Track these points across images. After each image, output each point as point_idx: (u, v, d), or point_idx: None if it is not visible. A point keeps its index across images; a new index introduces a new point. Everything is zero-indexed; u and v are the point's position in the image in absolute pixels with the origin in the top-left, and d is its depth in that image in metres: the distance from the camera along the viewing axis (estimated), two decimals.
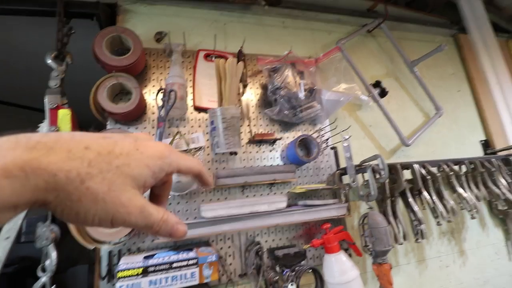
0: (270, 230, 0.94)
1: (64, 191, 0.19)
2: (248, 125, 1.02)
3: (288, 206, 0.97)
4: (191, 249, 0.80)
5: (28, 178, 0.17)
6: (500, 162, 1.15)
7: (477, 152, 1.37)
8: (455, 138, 1.35)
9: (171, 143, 0.84)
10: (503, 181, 1.10)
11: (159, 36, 1.07)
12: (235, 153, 0.98)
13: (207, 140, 0.97)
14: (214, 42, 1.01)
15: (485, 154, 1.36)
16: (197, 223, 0.80)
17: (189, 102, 0.99)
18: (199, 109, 0.99)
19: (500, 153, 1.32)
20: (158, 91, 0.89)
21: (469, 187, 1.07)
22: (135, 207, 0.22)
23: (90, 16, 0.99)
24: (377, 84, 1.20)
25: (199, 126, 0.98)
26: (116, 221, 0.21)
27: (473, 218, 1.03)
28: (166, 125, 0.92)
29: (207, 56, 1.04)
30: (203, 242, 0.87)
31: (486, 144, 1.38)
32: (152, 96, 0.96)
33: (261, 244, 0.90)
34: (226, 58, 0.96)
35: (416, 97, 1.35)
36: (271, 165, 1.01)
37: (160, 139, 0.85)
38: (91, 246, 0.76)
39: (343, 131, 0.93)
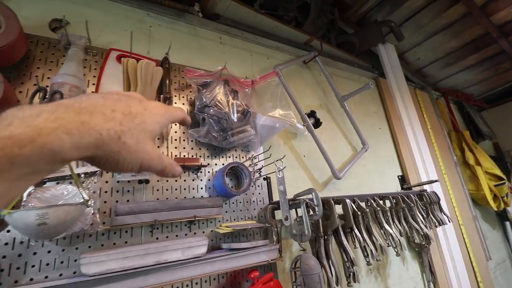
0: (185, 283, 0.73)
1: (108, 146, 0.23)
2: (167, 147, 0.83)
3: (211, 249, 0.79)
4: None
5: (83, 137, 0.21)
6: (416, 198, 1.22)
7: (396, 185, 1.46)
8: (377, 172, 1.41)
9: None
10: (419, 216, 1.16)
11: (58, 25, 0.82)
12: (146, 181, 0.76)
13: None
14: (131, 40, 0.83)
15: (402, 188, 1.46)
16: (72, 284, 0.55)
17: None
18: None
19: (414, 189, 1.42)
20: (36, 91, 0.64)
21: (393, 223, 1.08)
22: (155, 155, 0.27)
23: None
24: (311, 114, 1.18)
25: None
26: (143, 166, 0.26)
27: (398, 255, 1.02)
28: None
29: (121, 58, 0.84)
30: None
31: (403, 179, 1.49)
32: (29, 97, 0.69)
33: None
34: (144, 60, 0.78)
35: (345, 130, 1.38)
36: (193, 197, 0.82)
37: None
38: None
39: (277, 160, 0.83)
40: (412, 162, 1.54)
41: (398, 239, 1.02)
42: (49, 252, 0.62)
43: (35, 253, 0.61)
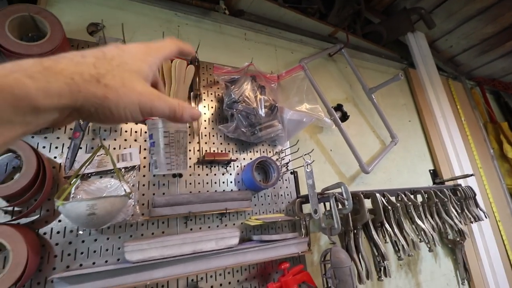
0: (218, 272, 0.77)
1: (87, 91, 0.20)
2: (198, 142, 0.86)
3: (242, 240, 0.81)
4: None
5: (49, 81, 0.19)
6: (450, 192, 1.17)
7: (427, 180, 1.40)
8: (407, 166, 1.36)
9: (89, 160, 0.63)
10: (454, 211, 1.11)
11: (94, 29, 0.88)
12: (180, 175, 0.80)
13: (145, 158, 0.78)
14: None
15: (434, 183, 1.40)
16: (118, 270, 0.59)
17: None
18: None
19: (447, 183, 1.36)
20: None
21: (426, 218, 1.04)
22: (153, 94, 0.24)
23: None
24: (338, 108, 1.16)
25: (135, 140, 0.78)
26: (144, 108, 0.24)
27: (430, 250, 0.99)
28: (87, 135, 0.71)
29: None
30: None
31: (435, 173, 1.43)
32: None
33: None
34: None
35: (373, 124, 1.35)
36: (223, 190, 0.85)
37: (74, 154, 0.63)
38: None
39: (305, 154, 0.83)
40: (444, 156, 1.47)
41: (431, 234, 0.99)
42: (95, 240, 0.67)
43: (83, 241, 0.66)
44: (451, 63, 2.16)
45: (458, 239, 1.19)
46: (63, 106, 0.19)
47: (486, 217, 1.22)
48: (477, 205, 1.24)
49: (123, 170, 0.73)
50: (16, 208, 0.63)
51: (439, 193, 1.12)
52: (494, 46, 1.96)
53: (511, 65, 2.15)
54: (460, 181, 1.38)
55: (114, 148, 0.75)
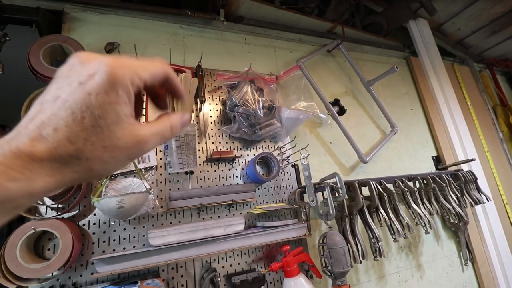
0: (228, 254, 0.89)
1: (71, 172, 0.20)
2: (206, 143, 0.97)
3: (248, 227, 0.92)
4: (135, 282, 0.72)
5: (30, 180, 0.18)
6: (450, 177, 1.22)
7: (430, 167, 1.44)
8: (409, 154, 1.41)
9: None
10: (453, 195, 1.16)
11: (111, 47, 1.00)
12: (191, 172, 0.92)
13: (161, 159, 0.90)
14: (170, 55, 0.97)
15: (437, 169, 1.44)
16: (144, 252, 0.72)
17: (142, 119, 0.92)
18: None
19: (450, 168, 1.40)
20: None
21: (423, 203, 1.11)
22: (139, 141, 0.23)
23: (29, 22, 0.89)
24: (335, 103, 1.23)
25: None
26: (134, 156, 0.23)
27: (427, 233, 1.06)
28: None
29: None
30: (152, 272, 0.79)
31: (438, 160, 1.46)
32: None
33: (217, 270, 0.84)
34: (183, 72, 0.92)
35: (373, 114, 1.40)
36: (230, 184, 0.96)
37: None
38: (12, 286, 0.65)
39: (302, 149, 0.92)
40: (448, 142, 1.50)
41: (427, 218, 1.05)
42: (124, 229, 0.81)
43: (114, 230, 0.80)
44: (460, 46, 2.12)
45: (457, 222, 1.24)
46: (49, 191, 0.20)
47: (487, 200, 1.25)
48: (478, 189, 1.28)
49: (143, 170, 0.86)
50: (60, 206, 0.77)
51: (438, 179, 1.17)
52: (505, 26, 1.91)
53: None
54: (463, 166, 1.41)
55: None
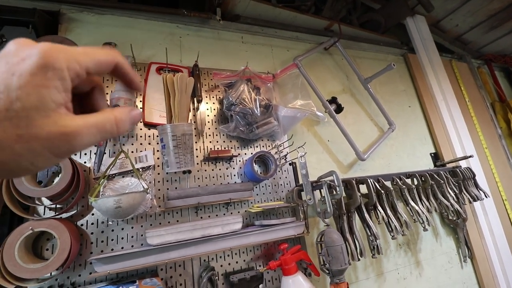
0: (226, 253, 0.89)
1: None
2: (203, 142, 0.97)
3: (246, 226, 0.93)
4: (134, 282, 0.72)
5: None
6: (448, 174, 1.22)
7: (428, 163, 1.44)
8: (407, 151, 1.41)
9: (113, 163, 0.76)
10: (451, 192, 1.16)
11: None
12: (189, 172, 0.92)
13: (158, 158, 0.90)
14: (166, 55, 0.97)
15: (435, 166, 1.44)
16: (142, 252, 0.72)
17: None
18: (149, 125, 0.93)
19: (448, 165, 1.40)
20: None
21: (421, 200, 1.11)
22: (66, 133, 0.19)
23: (25, 24, 0.90)
24: (333, 100, 1.23)
25: (149, 144, 0.91)
26: (60, 155, 0.19)
27: (425, 230, 1.06)
28: (110, 142, 0.84)
29: (160, 70, 0.99)
30: (150, 272, 0.80)
31: (436, 156, 1.46)
32: None
33: (216, 269, 0.84)
34: (180, 72, 0.92)
35: (371, 112, 1.40)
36: (227, 183, 0.97)
37: (100, 159, 0.77)
38: (10, 286, 0.66)
39: (299, 147, 0.92)
40: (446, 139, 1.50)
41: (425, 215, 1.06)
42: (122, 229, 0.81)
43: (113, 230, 0.80)
44: (458, 42, 2.12)
45: (455, 219, 1.24)
46: None
47: (486, 196, 1.26)
48: (476, 186, 1.28)
49: (140, 169, 0.86)
50: (58, 206, 0.78)
51: (436, 176, 1.17)
52: (503, 21, 1.91)
53: None
54: (462, 163, 1.41)
55: (132, 152, 0.88)
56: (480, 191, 1.26)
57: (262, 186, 1.01)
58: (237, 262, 0.89)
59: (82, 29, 0.99)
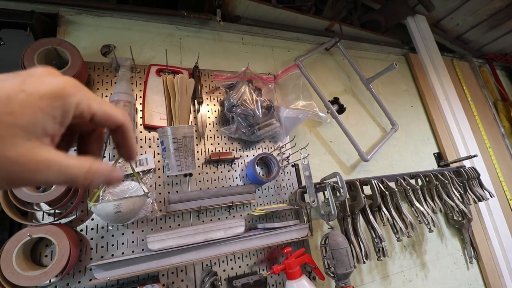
0: (229, 257, 0.87)
1: None
2: (204, 144, 0.96)
3: (249, 229, 0.91)
4: None
5: None
6: (452, 174, 1.20)
7: (432, 164, 1.43)
8: (411, 151, 1.40)
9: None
10: (456, 192, 1.15)
11: (107, 50, 0.99)
12: (190, 175, 0.91)
13: (159, 161, 0.89)
14: (166, 56, 0.96)
15: (439, 166, 1.43)
16: (143, 257, 0.71)
17: (139, 121, 0.91)
18: (149, 127, 0.91)
19: (452, 165, 1.38)
20: None
21: (425, 201, 1.09)
22: (36, 162, 0.18)
23: (23, 26, 0.88)
24: (335, 101, 1.22)
25: (150, 147, 0.90)
26: (14, 182, 0.18)
27: (430, 231, 1.04)
28: (109, 146, 0.83)
29: (160, 72, 0.98)
30: (151, 277, 0.78)
31: (439, 156, 1.45)
32: None
33: (218, 274, 0.83)
34: (180, 73, 0.91)
35: (373, 112, 1.39)
36: (229, 186, 0.95)
37: None
38: None
39: (301, 149, 0.91)
40: (449, 138, 1.48)
41: (431, 216, 1.04)
42: (122, 234, 0.79)
43: (113, 235, 0.79)
44: (459, 41, 2.11)
45: (460, 220, 1.22)
46: None
47: (491, 196, 1.24)
48: (481, 185, 1.26)
49: (141, 173, 0.84)
50: (57, 211, 0.76)
51: (440, 176, 1.15)
52: (504, 20, 1.90)
53: None
54: (466, 162, 1.39)
55: None
56: (485, 191, 1.24)
57: (265, 189, 0.99)
58: (240, 267, 0.87)
59: (80, 31, 0.98)
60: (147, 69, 0.97)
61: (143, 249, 0.79)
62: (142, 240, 0.80)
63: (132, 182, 0.81)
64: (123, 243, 0.79)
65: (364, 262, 0.91)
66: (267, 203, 0.98)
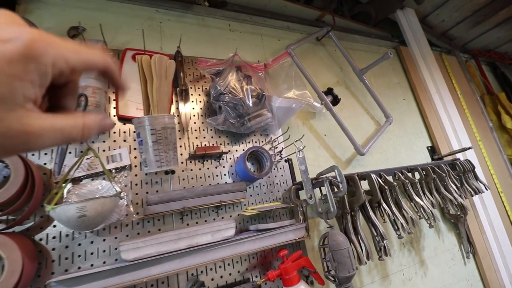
0: (218, 264, 0.77)
1: None
2: (188, 138, 0.86)
3: (240, 231, 0.82)
4: None
5: None
6: (448, 167, 1.16)
7: (426, 157, 1.39)
8: (404, 145, 1.35)
9: (77, 163, 0.63)
10: (453, 186, 1.10)
11: (76, 32, 0.86)
12: (172, 172, 0.80)
13: (135, 157, 0.78)
14: (143, 38, 0.85)
15: (432, 159, 1.39)
16: (115, 269, 0.60)
17: (112, 111, 0.80)
18: (124, 119, 0.80)
19: (446, 158, 1.35)
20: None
21: (424, 195, 1.04)
22: (28, 133, 0.17)
23: None
24: (329, 92, 1.15)
25: (125, 140, 0.78)
26: (11, 153, 0.18)
27: (431, 227, 0.99)
28: None
29: (136, 56, 0.86)
30: None
31: (433, 150, 1.42)
32: None
33: (206, 284, 0.73)
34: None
35: (367, 105, 1.34)
36: (217, 183, 0.85)
37: (62, 158, 0.63)
38: None
39: (296, 141, 0.83)
40: (442, 131, 1.45)
41: (430, 211, 0.98)
42: (91, 242, 0.68)
43: (79, 244, 0.67)
44: (444, 37, 2.12)
45: (459, 214, 1.19)
46: None
47: (486, 189, 1.21)
48: (476, 178, 1.23)
49: (113, 171, 0.73)
50: (10, 217, 0.63)
51: (437, 169, 1.11)
52: (488, 16, 1.92)
53: (506, 34, 2.11)
54: (459, 155, 1.37)
55: (104, 150, 0.75)
56: (480, 184, 1.21)
57: (256, 186, 0.90)
58: (230, 274, 0.78)
59: (43, 10, 0.85)
60: (122, 53, 0.86)
61: (116, 259, 0.68)
62: (116, 248, 0.68)
63: (103, 181, 0.69)
64: (92, 253, 0.67)
65: (366, 263, 0.84)
66: (259, 202, 0.89)
